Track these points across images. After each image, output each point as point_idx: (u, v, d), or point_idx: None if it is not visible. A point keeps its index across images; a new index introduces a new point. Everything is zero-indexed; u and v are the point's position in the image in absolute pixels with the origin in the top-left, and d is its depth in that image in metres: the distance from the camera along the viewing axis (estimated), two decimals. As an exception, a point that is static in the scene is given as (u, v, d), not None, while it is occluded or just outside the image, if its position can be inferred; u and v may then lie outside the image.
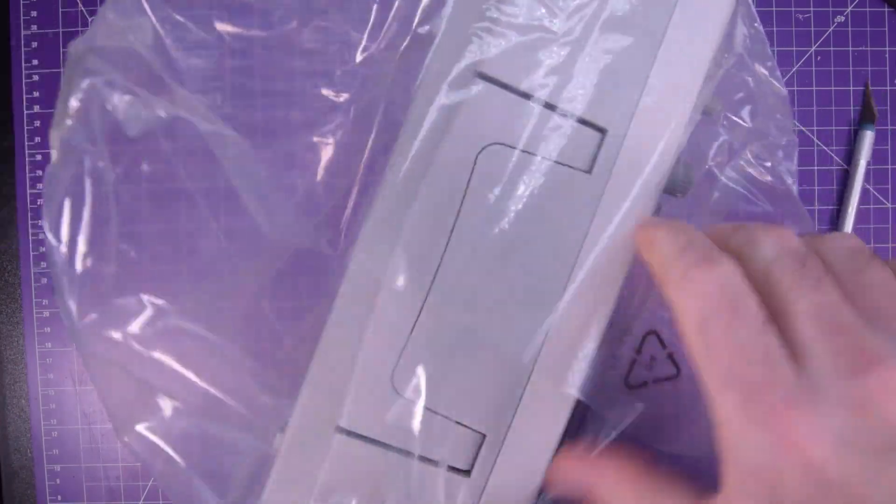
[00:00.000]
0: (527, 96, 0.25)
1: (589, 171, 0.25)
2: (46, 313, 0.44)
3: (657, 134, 0.25)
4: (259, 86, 0.45)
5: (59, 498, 0.44)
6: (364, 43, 0.34)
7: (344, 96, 0.41)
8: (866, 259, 0.19)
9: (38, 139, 0.44)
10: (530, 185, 0.25)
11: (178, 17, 0.33)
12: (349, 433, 0.26)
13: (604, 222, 0.25)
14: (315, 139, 0.44)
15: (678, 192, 0.27)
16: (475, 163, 0.25)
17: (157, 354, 0.32)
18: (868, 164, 0.44)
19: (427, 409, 0.25)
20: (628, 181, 0.25)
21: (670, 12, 0.25)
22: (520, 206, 0.25)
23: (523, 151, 0.25)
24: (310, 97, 0.44)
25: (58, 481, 0.44)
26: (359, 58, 0.34)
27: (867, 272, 0.19)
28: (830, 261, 0.19)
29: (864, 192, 0.44)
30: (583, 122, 0.25)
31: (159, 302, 0.33)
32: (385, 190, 0.26)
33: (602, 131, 0.25)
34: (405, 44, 0.38)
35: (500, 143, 0.25)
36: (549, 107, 0.25)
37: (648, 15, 0.25)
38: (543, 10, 0.25)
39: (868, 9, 0.44)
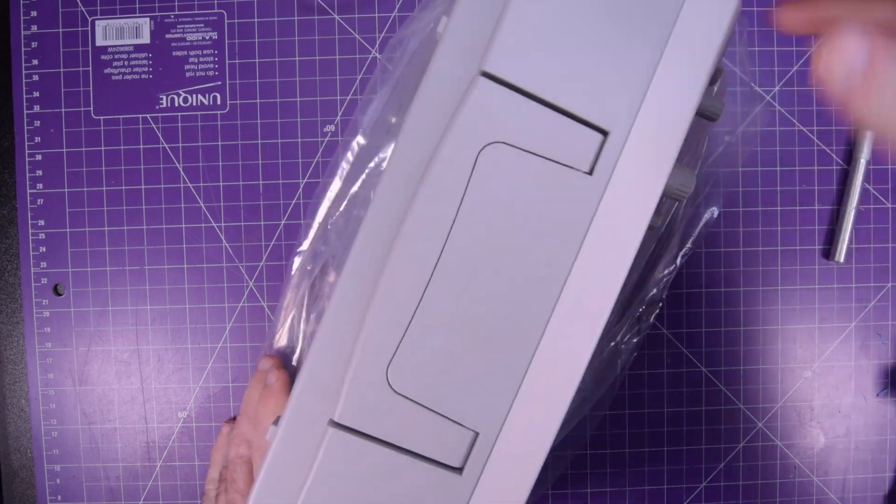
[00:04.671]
0: (529, 96, 0.25)
1: (590, 173, 0.25)
2: (46, 313, 0.44)
3: (659, 137, 0.25)
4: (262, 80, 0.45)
5: (59, 498, 0.44)
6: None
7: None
8: None
9: (38, 139, 0.44)
10: (531, 185, 0.25)
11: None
12: (342, 427, 0.26)
13: (603, 223, 0.25)
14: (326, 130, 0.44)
15: (678, 197, 0.27)
16: (476, 161, 0.25)
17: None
18: (868, 163, 0.44)
19: (421, 405, 0.25)
20: (629, 183, 0.25)
21: (675, 16, 0.25)
22: (520, 206, 0.25)
23: (524, 151, 0.25)
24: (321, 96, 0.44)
25: (58, 481, 0.44)
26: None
27: None
28: None
29: (864, 192, 0.44)
30: (585, 123, 0.25)
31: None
32: (384, 186, 0.26)
33: (604, 133, 0.25)
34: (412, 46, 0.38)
35: (502, 141, 0.25)
36: (552, 107, 0.25)
37: (652, 18, 0.25)
38: (549, 12, 0.25)
39: (868, 9, 0.44)
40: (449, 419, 0.26)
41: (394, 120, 0.38)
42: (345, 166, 0.42)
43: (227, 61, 0.44)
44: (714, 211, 0.43)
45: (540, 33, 0.25)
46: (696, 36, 0.25)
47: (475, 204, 0.25)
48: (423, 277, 0.25)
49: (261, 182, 0.44)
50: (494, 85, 0.25)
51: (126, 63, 0.44)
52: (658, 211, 0.27)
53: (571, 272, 0.25)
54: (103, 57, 0.44)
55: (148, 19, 0.44)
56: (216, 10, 0.44)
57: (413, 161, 0.26)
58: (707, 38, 0.25)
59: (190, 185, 0.44)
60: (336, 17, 0.44)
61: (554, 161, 0.25)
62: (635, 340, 0.42)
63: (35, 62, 0.44)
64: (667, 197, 0.27)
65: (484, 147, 0.25)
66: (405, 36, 0.38)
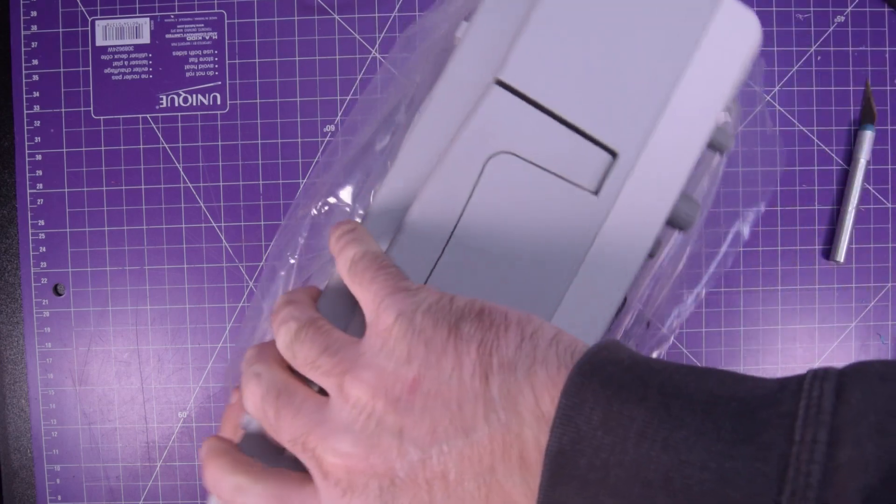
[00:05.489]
0: (543, 109, 0.25)
1: (596, 193, 0.25)
2: (46, 313, 0.44)
3: (667, 165, 0.25)
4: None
5: (59, 498, 0.44)
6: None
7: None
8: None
9: (38, 139, 0.44)
10: (536, 198, 0.25)
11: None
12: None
13: (604, 246, 0.25)
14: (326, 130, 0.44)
15: (681, 226, 0.27)
16: (483, 168, 0.25)
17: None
18: (868, 163, 0.44)
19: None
20: (634, 210, 0.25)
21: (694, 46, 0.25)
22: (522, 218, 0.25)
23: (532, 164, 0.25)
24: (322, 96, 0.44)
25: (58, 481, 0.44)
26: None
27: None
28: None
29: (864, 192, 0.44)
30: (595, 142, 0.25)
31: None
32: (387, 186, 0.26)
33: (613, 154, 0.25)
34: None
35: (511, 152, 0.25)
36: (564, 123, 0.25)
37: (672, 46, 0.25)
38: (570, 28, 0.25)
39: (868, 9, 0.44)
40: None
41: (400, 118, 0.37)
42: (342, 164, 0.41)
43: (227, 61, 0.44)
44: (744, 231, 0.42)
45: (559, 48, 0.25)
46: (713, 69, 0.25)
47: (477, 212, 0.25)
48: (419, 281, 0.25)
49: (261, 182, 0.44)
50: (508, 94, 0.25)
51: (126, 63, 0.44)
52: (659, 239, 0.26)
53: (569, 289, 0.25)
54: (103, 57, 0.44)
55: (148, 19, 0.44)
56: (216, 10, 0.44)
57: (420, 163, 0.26)
58: (724, 72, 0.25)
59: (190, 185, 0.44)
60: (336, 17, 0.44)
61: (561, 177, 0.25)
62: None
63: (35, 62, 0.44)
64: (670, 225, 0.27)
65: (492, 155, 0.25)
66: (413, 34, 0.38)
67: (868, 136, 0.43)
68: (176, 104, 0.44)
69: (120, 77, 0.44)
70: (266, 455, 0.24)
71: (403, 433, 0.20)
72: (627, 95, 0.25)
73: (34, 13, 0.44)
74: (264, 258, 0.44)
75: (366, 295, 0.23)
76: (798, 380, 0.18)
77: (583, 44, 0.25)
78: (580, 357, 0.20)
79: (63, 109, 0.44)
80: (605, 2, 0.25)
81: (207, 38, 0.44)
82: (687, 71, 0.25)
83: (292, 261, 0.41)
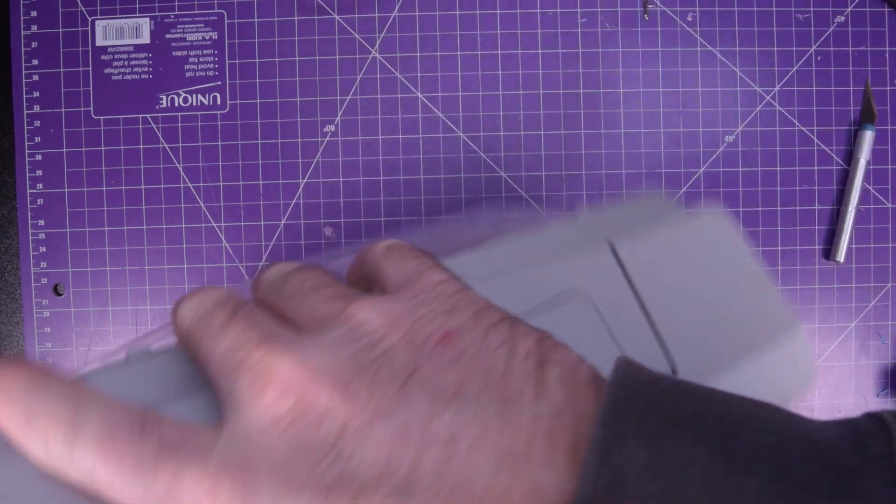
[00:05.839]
0: (634, 289, 0.26)
1: None
2: (46, 313, 0.44)
3: None
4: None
5: (59, 498, 0.44)
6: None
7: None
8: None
9: (38, 139, 0.44)
10: (592, 353, 0.25)
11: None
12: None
13: None
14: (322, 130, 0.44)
15: None
16: (554, 299, 0.25)
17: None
18: (868, 163, 0.44)
19: None
20: None
21: (762, 348, 0.26)
22: None
23: (606, 326, 0.25)
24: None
25: (58, 481, 0.44)
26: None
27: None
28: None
29: (864, 192, 0.44)
30: (664, 348, 0.25)
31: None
32: (466, 253, 0.26)
33: (673, 369, 0.25)
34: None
35: (593, 300, 0.25)
36: (646, 312, 0.26)
37: (749, 333, 0.26)
38: (685, 254, 0.27)
39: (868, 9, 0.44)
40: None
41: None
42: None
43: (227, 61, 0.44)
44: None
45: (670, 258, 0.26)
46: (765, 380, 0.26)
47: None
48: None
49: (261, 182, 0.44)
50: (612, 258, 0.26)
51: (126, 63, 0.44)
52: None
53: None
54: (103, 57, 0.44)
55: (148, 19, 0.44)
56: (216, 10, 0.44)
57: (493, 264, 0.26)
58: (773, 388, 0.26)
59: (190, 185, 0.44)
60: (336, 17, 0.44)
61: (624, 354, 0.26)
62: None
63: (35, 62, 0.44)
64: None
65: (572, 293, 0.25)
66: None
67: (868, 136, 0.43)
68: (176, 104, 0.44)
69: (120, 77, 0.44)
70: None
71: (415, 374, 0.15)
72: (703, 337, 0.26)
73: (34, 13, 0.44)
74: (264, 258, 0.44)
75: (405, 268, 0.18)
76: (869, 421, 0.15)
77: (687, 269, 0.27)
78: (611, 376, 0.16)
79: (63, 109, 0.44)
80: (727, 257, 0.27)
81: (207, 38, 0.44)
82: (746, 364, 0.26)
83: None
